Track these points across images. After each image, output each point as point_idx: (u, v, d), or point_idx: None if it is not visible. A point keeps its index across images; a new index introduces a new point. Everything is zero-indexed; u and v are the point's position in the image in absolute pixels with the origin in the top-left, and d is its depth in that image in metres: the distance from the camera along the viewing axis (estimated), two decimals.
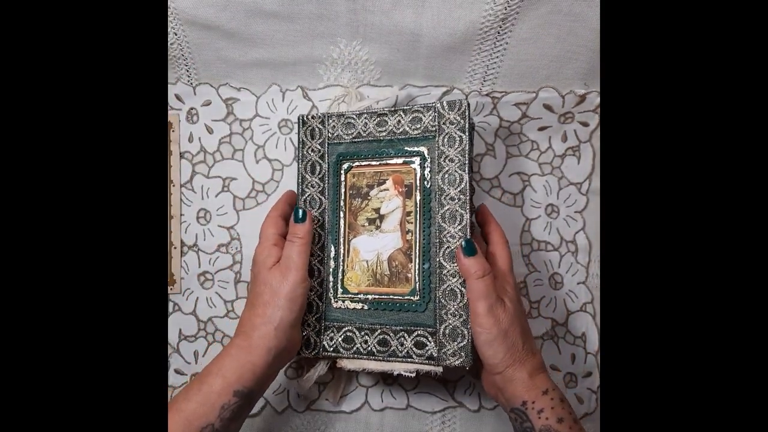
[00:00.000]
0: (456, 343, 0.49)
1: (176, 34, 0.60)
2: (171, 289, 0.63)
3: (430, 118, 0.53)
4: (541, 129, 0.63)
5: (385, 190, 0.54)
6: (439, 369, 0.50)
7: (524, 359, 0.47)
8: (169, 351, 0.64)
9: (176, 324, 0.64)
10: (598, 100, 0.61)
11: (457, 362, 0.49)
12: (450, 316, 0.50)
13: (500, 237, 0.53)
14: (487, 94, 0.62)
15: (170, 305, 0.64)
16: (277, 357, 0.49)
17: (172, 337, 0.64)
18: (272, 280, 0.50)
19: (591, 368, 0.62)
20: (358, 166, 0.56)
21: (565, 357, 0.62)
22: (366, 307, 0.54)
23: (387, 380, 0.62)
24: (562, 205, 0.63)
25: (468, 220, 0.50)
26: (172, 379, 0.64)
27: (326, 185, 0.56)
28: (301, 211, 0.52)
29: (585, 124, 0.63)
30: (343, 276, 0.55)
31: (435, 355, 0.50)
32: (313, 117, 0.57)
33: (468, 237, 0.50)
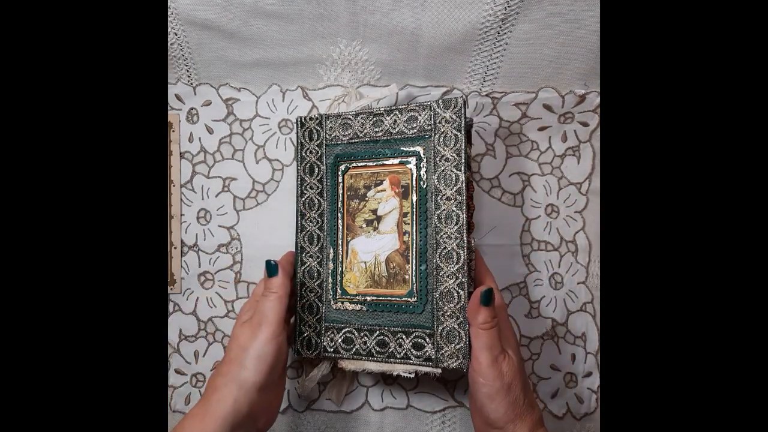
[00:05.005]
0: (453, 345, 0.49)
1: (176, 34, 0.60)
2: (171, 289, 0.63)
3: (426, 117, 0.53)
4: (541, 129, 0.63)
5: (382, 191, 0.54)
6: (438, 370, 0.50)
7: (525, 415, 0.45)
8: (169, 351, 0.64)
9: (176, 324, 0.64)
10: (598, 100, 0.61)
11: (454, 364, 0.49)
12: (447, 318, 0.50)
13: (494, 283, 0.51)
14: (487, 95, 0.62)
15: (170, 305, 0.64)
16: (240, 427, 0.44)
17: (172, 337, 0.64)
18: (241, 335, 0.47)
19: (591, 368, 0.62)
20: (355, 167, 0.56)
21: (565, 357, 0.62)
22: (365, 309, 0.54)
23: (387, 380, 0.62)
24: (562, 205, 0.63)
25: (464, 221, 0.50)
26: (172, 379, 0.64)
27: (324, 187, 0.56)
28: (272, 264, 0.49)
29: (585, 124, 0.63)
30: (341, 277, 0.55)
31: (433, 356, 0.50)
32: (310, 118, 0.57)
33: (487, 287, 0.46)
